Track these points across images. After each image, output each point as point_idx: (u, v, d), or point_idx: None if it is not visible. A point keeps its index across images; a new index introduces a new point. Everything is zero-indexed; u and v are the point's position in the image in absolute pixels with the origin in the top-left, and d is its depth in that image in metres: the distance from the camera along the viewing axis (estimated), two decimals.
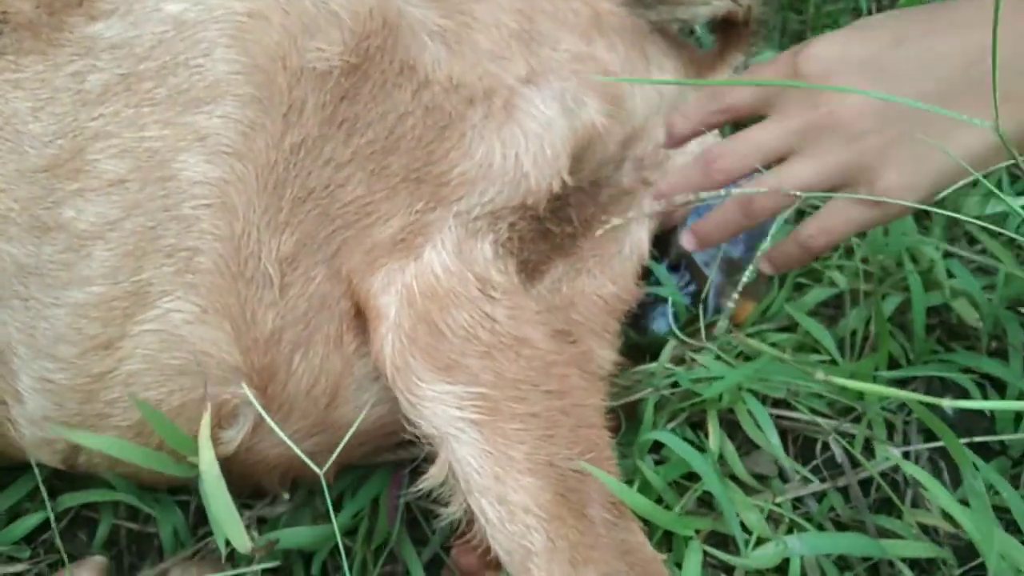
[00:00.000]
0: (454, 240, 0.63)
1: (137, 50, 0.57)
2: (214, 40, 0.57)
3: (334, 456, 0.58)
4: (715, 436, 0.72)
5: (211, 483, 0.57)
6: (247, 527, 0.68)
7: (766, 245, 0.65)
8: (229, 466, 0.59)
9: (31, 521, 0.69)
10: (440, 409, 0.58)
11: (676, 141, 0.67)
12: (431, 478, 0.58)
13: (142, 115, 0.56)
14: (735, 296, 0.68)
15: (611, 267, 0.72)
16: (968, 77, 0.52)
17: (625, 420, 0.72)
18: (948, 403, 0.38)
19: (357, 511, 0.72)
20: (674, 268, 0.84)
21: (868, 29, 0.57)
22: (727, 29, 0.85)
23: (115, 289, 0.57)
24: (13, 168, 0.55)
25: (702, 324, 0.76)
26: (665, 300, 0.80)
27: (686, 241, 0.68)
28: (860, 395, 0.74)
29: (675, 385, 0.74)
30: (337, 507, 0.72)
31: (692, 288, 0.83)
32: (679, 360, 0.77)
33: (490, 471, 0.56)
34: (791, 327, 0.82)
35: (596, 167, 0.74)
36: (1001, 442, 0.76)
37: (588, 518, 0.57)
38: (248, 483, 0.68)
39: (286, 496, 0.72)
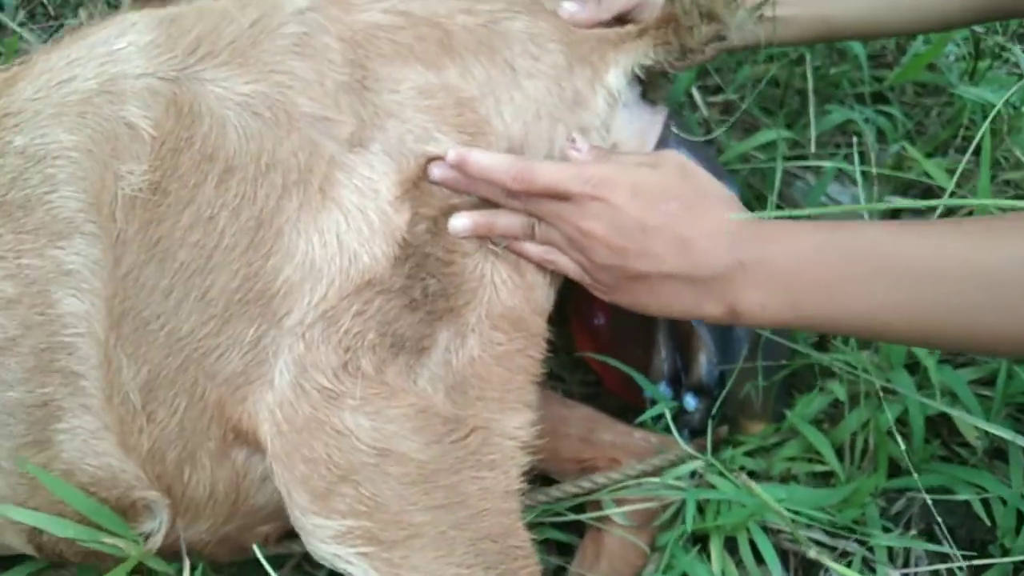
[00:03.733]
0: (295, 359, 0.58)
1: (3, 179, 0.60)
2: (57, 177, 0.60)
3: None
4: (717, 559, 0.74)
5: None
6: None
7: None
8: (175, 549, 0.63)
9: None
10: (321, 545, 0.57)
11: (458, 165, 0.62)
12: None
13: (21, 241, 0.60)
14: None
15: (497, 315, 0.63)
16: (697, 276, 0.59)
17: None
18: None
19: None
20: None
21: (662, 200, 0.60)
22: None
23: (29, 397, 0.61)
24: None
25: (708, 439, 0.78)
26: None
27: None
28: (859, 518, 0.75)
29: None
30: None
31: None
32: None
33: None
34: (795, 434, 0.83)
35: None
36: (1002, 545, 0.77)
37: None
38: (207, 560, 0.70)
39: None
